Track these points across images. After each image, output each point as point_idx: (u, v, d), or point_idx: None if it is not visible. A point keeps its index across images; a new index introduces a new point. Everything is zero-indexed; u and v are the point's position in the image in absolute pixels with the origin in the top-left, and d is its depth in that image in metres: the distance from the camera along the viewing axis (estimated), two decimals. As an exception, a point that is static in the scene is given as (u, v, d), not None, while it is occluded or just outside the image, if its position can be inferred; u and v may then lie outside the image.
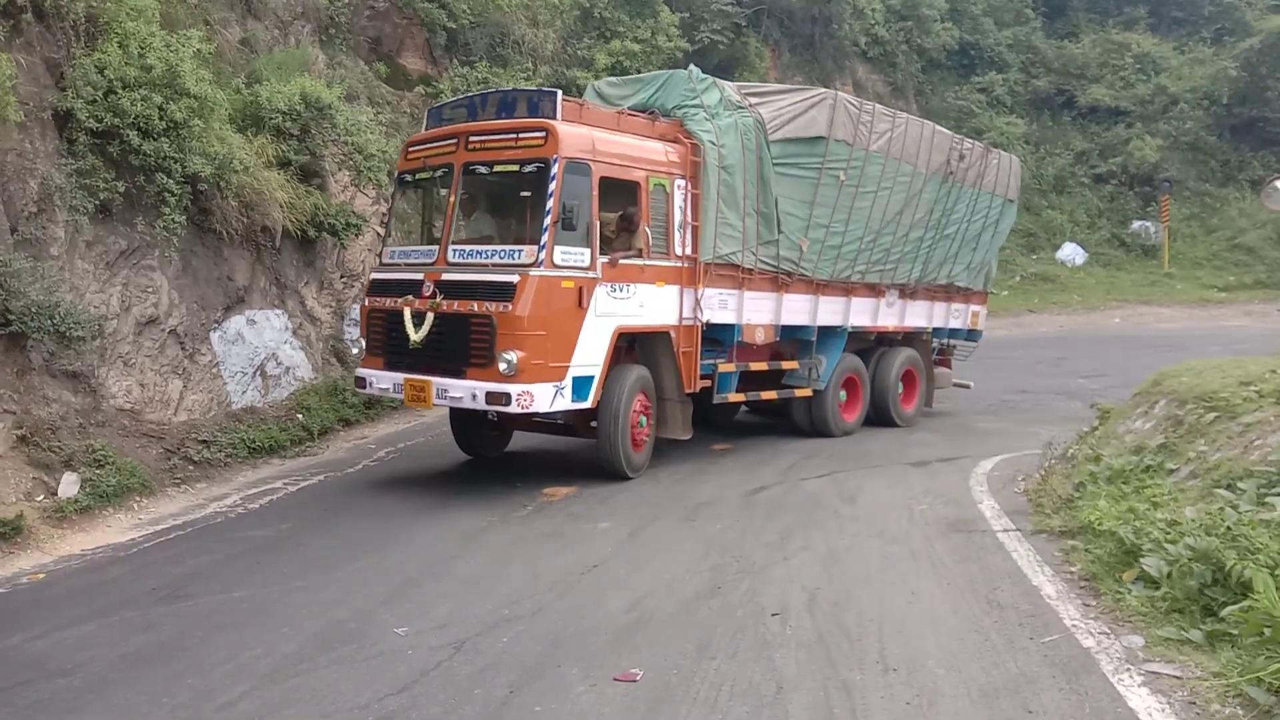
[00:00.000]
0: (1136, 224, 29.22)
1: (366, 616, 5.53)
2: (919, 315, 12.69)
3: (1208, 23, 32.68)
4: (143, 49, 9.01)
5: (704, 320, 9.41)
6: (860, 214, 11.02)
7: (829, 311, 11.08)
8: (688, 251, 9.29)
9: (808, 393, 10.99)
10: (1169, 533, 5.49)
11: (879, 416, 12.02)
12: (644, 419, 8.96)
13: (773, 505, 7.97)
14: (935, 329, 13.16)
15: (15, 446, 7.71)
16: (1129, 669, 4.50)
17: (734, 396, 10.19)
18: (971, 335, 14.02)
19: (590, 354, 8.30)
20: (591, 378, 8.33)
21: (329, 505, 8.35)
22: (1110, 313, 25.18)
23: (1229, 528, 5.13)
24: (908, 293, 12.31)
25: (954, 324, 13.46)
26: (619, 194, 8.80)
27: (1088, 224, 29.44)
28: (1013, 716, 4.14)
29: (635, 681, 4.53)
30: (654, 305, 8.96)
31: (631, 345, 9.12)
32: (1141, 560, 5.39)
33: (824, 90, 10.81)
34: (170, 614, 5.74)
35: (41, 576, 6.65)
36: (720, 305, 9.69)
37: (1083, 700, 4.24)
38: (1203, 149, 29.60)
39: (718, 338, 9.85)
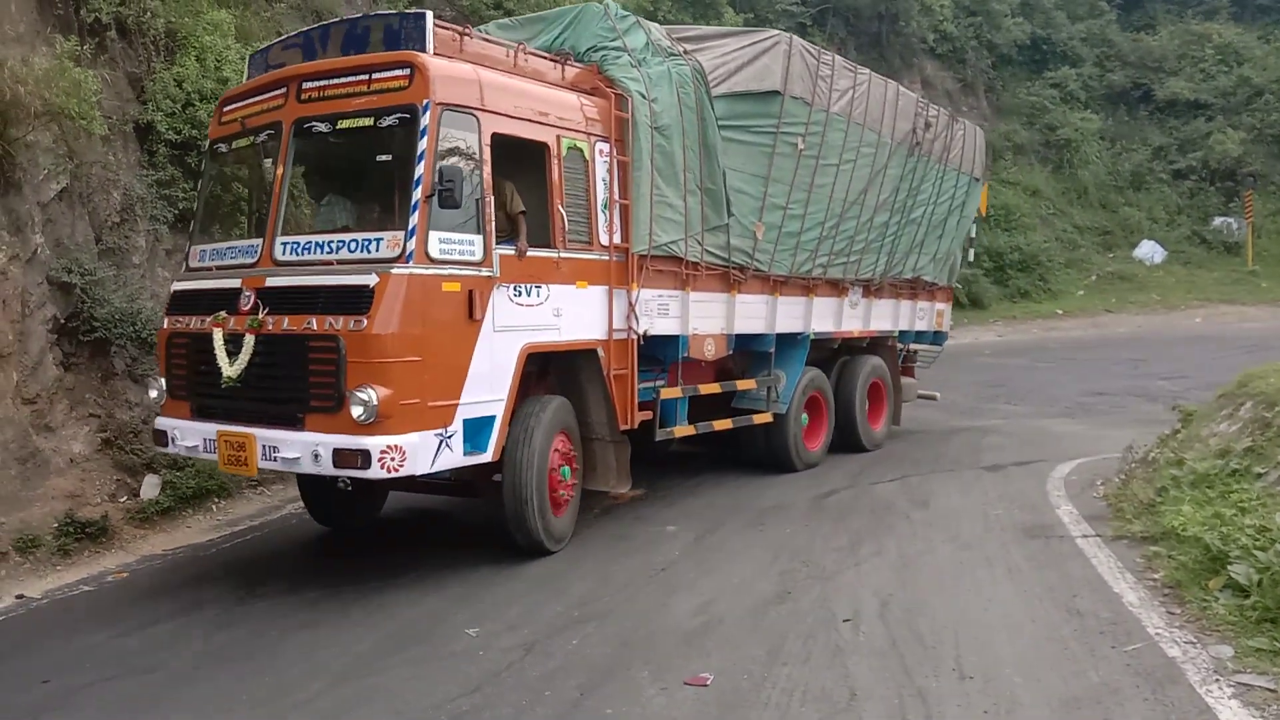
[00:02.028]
0: (1218, 220, 28.34)
1: (438, 616, 5.59)
2: (884, 317, 10.80)
3: (1295, 10, 31.65)
4: (219, 62, 9.26)
5: (641, 331, 7.30)
6: (821, 192, 9.06)
7: (788, 315, 9.11)
8: (616, 240, 7.13)
9: (768, 418, 8.95)
10: (1259, 539, 5.30)
11: (843, 439, 10.17)
12: (566, 469, 6.76)
13: (842, 510, 7.87)
14: (901, 332, 11.30)
15: (100, 449, 7.96)
16: (1218, 680, 4.34)
17: (681, 430, 8.06)
18: (937, 338, 12.27)
19: (488, 385, 6.04)
20: (492, 418, 6.09)
21: (400, 506, 8.46)
22: (1191, 312, 24.42)
23: (1324, 535, 4.94)
24: (872, 290, 10.38)
25: (920, 325, 11.66)
26: (520, 161, 6.47)
27: (1166, 221, 28.66)
28: (1095, 727, 4.02)
29: (706, 685, 4.50)
30: (574, 313, 6.76)
31: (545, 369, 6.99)
32: (1229, 567, 5.20)
33: (774, 32, 8.69)
34: (248, 613, 5.87)
35: (126, 575, 6.85)
36: (660, 311, 7.59)
37: (1169, 711, 4.09)
38: (1289, 142, 28.63)
39: (655, 354, 7.75)
